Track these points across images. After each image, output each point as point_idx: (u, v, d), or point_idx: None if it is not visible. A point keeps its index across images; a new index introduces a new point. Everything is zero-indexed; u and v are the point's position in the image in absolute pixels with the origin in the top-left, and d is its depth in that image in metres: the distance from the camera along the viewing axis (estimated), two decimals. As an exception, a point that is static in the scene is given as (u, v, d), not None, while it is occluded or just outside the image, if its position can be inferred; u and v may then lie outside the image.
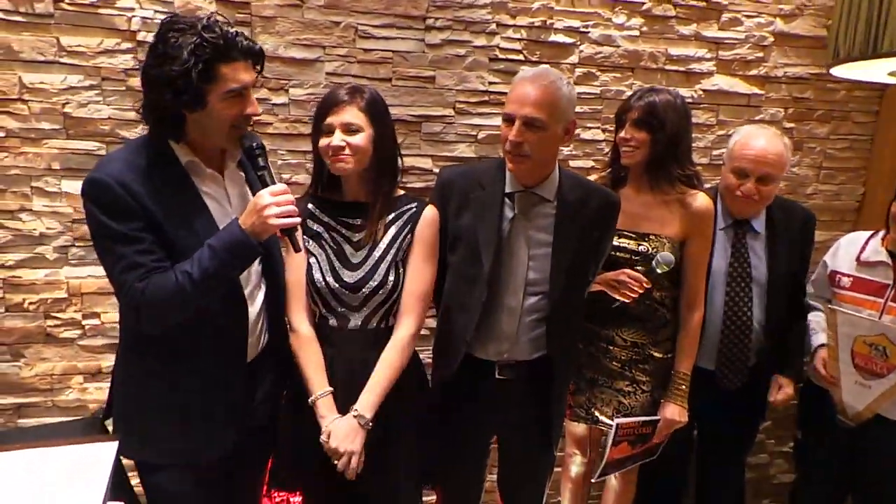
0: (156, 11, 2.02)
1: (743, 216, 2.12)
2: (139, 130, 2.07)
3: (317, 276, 1.65)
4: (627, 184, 2.03)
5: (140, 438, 1.51)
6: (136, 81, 2.03)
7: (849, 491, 2.26)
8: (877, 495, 2.14)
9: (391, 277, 1.65)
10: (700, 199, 1.96)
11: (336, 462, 1.58)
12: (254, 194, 1.58)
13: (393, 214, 1.68)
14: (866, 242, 2.14)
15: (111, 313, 2.19)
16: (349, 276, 1.64)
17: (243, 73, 1.38)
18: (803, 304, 2.24)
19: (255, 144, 1.46)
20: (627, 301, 1.91)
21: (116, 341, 2.16)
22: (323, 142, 1.61)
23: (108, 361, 2.21)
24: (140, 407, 1.51)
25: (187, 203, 1.43)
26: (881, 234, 2.11)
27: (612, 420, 1.98)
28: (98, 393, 2.23)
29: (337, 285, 1.64)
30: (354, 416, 1.60)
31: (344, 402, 1.65)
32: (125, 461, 1.60)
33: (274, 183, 1.44)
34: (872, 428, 2.06)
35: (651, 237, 1.96)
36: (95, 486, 1.39)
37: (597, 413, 2.08)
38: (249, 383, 1.61)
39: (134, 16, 2.01)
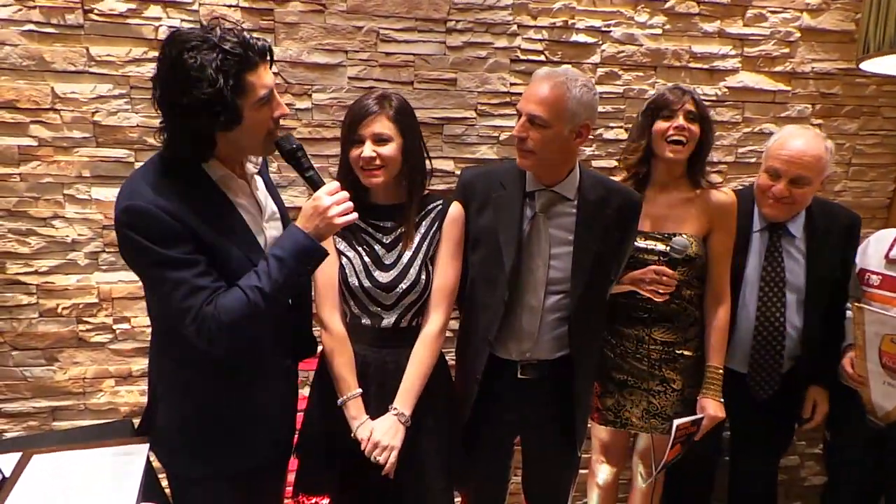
0: (182, 20, 2.05)
1: (775, 219, 2.07)
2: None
3: (351, 278, 1.66)
4: (648, 186, 2.02)
5: (190, 453, 1.49)
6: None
7: (880, 492, 2.21)
8: (910, 497, 2.10)
9: (423, 276, 1.67)
10: (722, 193, 1.97)
11: (377, 458, 1.60)
12: (274, 197, 1.59)
13: (421, 213, 1.71)
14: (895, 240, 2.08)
15: (141, 317, 2.24)
16: (382, 277, 1.66)
17: (266, 76, 1.34)
18: (843, 311, 2.18)
19: (294, 146, 1.43)
20: (658, 300, 1.90)
21: (146, 345, 2.22)
22: (354, 152, 1.62)
23: (138, 365, 2.26)
24: (191, 422, 1.48)
25: (227, 218, 1.40)
26: (912, 230, 2.05)
27: (672, 422, 1.94)
28: (129, 396, 2.28)
29: (370, 285, 1.66)
30: (395, 414, 1.63)
31: (377, 401, 1.67)
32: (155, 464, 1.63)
33: (323, 182, 1.43)
34: (903, 428, 2.02)
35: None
36: (128, 488, 1.42)
37: (626, 415, 2.07)
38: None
39: (161, 25, 2.05)
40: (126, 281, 2.20)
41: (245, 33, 1.30)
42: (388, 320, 1.68)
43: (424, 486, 1.73)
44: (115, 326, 2.23)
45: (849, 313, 2.16)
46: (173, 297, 1.30)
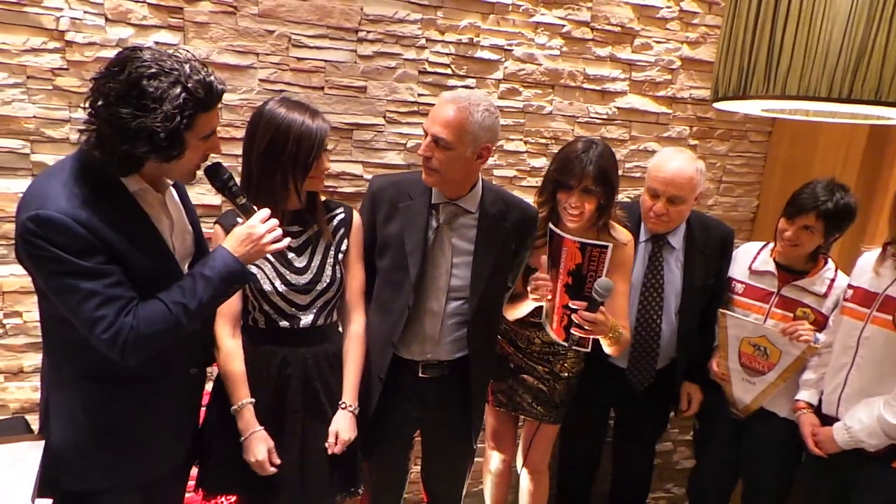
0: (85, 12, 2.00)
1: (657, 232, 2.26)
2: (66, 130, 2.06)
3: (266, 285, 1.71)
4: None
5: (89, 467, 1.48)
6: (63, 81, 2.02)
7: (738, 472, 2.46)
8: (760, 477, 2.36)
9: (338, 275, 1.77)
10: (623, 237, 2.04)
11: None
12: (187, 209, 1.62)
13: (327, 217, 1.80)
14: (758, 252, 2.31)
15: (33, 312, 2.16)
16: (297, 279, 1.73)
17: (215, 118, 1.39)
18: (715, 314, 2.32)
19: (226, 177, 1.49)
20: (540, 303, 1.94)
21: (38, 340, 2.16)
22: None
23: (30, 360, 2.19)
24: (90, 434, 1.46)
25: (143, 231, 1.40)
26: (771, 245, 2.27)
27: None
28: (19, 392, 2.20)
29: (286, 289, 1.72)
30: (349, 409, 1.79)
31: (303, 398, 1.76)
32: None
33: (254, 209, 1.48)
34: (758, 419, 2.28)
35: None
36: (23, 485, 1.42)
37: (518, 399, 2.22)
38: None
39: (62, 16, 1.99)
40: (17, 274, 2.12)
41: (210, 75, 1.33)
42: (307, 320, 1.76)
43: (328, 480, 1.81)
44: (5, 321, 2.15)
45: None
46: (84, 307, 1.29)
